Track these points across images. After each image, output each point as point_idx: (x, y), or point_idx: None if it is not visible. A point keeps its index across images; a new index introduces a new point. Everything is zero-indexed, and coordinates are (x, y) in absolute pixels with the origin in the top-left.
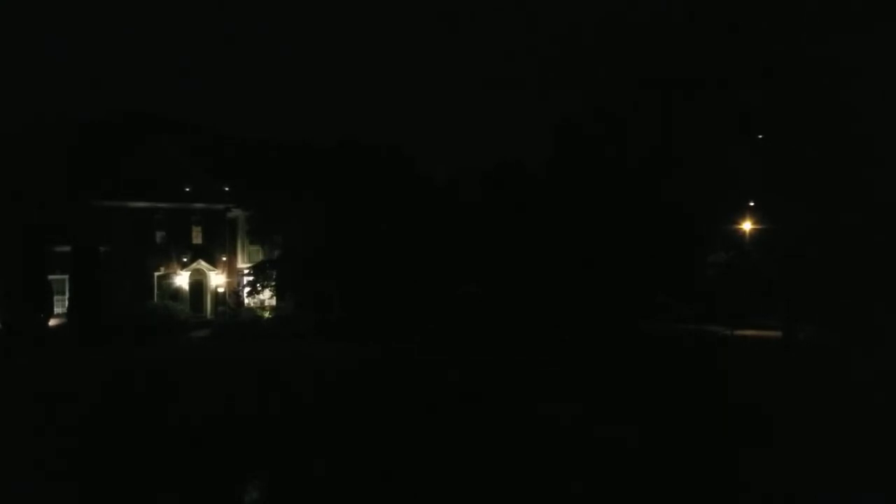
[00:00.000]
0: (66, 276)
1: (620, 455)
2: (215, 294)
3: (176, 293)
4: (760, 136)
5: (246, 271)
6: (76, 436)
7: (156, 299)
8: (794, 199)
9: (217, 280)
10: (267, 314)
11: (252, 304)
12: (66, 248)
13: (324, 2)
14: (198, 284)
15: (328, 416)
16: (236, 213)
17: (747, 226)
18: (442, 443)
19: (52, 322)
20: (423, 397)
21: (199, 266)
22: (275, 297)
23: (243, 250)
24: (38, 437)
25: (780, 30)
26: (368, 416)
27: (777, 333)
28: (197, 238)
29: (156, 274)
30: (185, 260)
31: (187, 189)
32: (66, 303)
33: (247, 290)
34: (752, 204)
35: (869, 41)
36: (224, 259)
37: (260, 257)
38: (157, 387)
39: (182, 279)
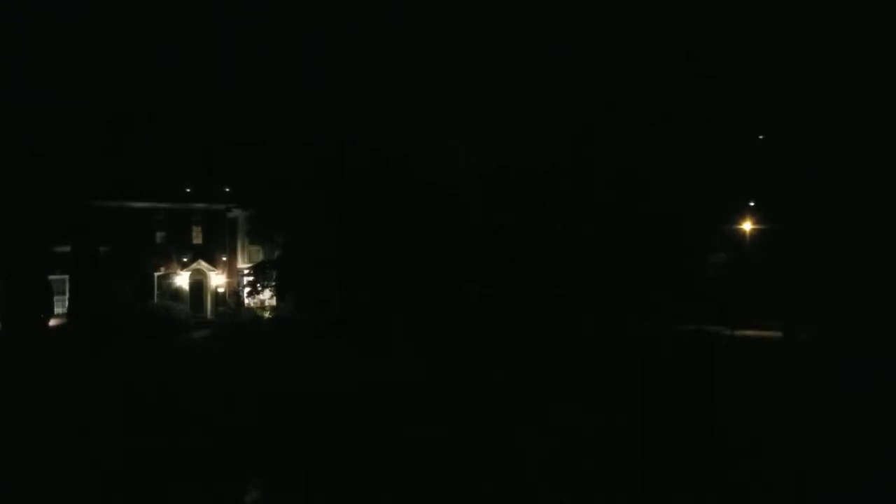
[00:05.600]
0: (66, 277)
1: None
2: (215, 294)
3: (176, 293)
4: (761, 137)
5: (246, 271)
6: None
7: (156, 299)
8: (794, 199)
9: (217, 280)
10: (267, 314)
11: (252, 305)
12: (66, 249)
13: (322, 3)
14: (198, 284)
15: None
16: (236, 213)
17: (748, 226)
18: None
19: (52, 322)
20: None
21: (199, 266)
22: (275, 298)
23: (243, 250)
24: None
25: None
26: None
27: (778, 334)
28: (197, 238)
29: (156, 274)
30: (185, 260)
31: (187, 189)
32: (66, 303)
33: (247, 290)
34: (752, 204)
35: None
36: (224, 259)
37: (260, 257)
38: None
39: (182, 279)
